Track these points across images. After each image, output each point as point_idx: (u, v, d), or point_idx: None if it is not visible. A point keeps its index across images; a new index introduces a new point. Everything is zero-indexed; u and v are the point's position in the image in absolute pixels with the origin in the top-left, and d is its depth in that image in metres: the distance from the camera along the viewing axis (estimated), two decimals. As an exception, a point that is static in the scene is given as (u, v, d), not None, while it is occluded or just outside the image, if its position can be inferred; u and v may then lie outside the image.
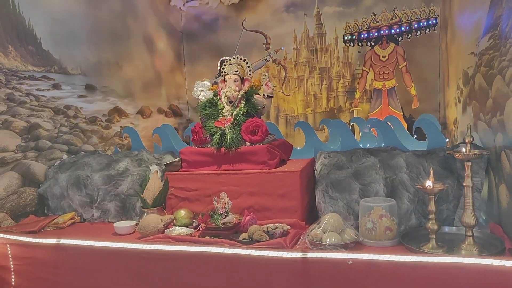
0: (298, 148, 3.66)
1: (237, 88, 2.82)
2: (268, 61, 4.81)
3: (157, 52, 4.88)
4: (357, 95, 4.76)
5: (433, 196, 2.11)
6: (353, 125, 4.40)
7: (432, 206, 2.11)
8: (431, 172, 2.12)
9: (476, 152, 2.01)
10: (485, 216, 2.43)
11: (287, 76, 4.91)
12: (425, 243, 2.13)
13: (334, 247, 2.15)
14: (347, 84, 4.93)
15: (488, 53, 2.34)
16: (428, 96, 4.57)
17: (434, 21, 4.26)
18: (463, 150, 2.01)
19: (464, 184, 2.05)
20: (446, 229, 2.32)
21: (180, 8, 5.32)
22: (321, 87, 5.06)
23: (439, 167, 2.42)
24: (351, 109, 4.87)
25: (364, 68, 4.69)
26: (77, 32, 3.59)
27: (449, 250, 2.07)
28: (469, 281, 1.88)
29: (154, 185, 2.74)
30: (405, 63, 4.49)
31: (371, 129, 3.48)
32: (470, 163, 2.03)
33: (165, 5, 5.09)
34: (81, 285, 2.50)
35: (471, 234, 2.05)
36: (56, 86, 3.36)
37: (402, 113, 4.50)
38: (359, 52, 4.81)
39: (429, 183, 2.09)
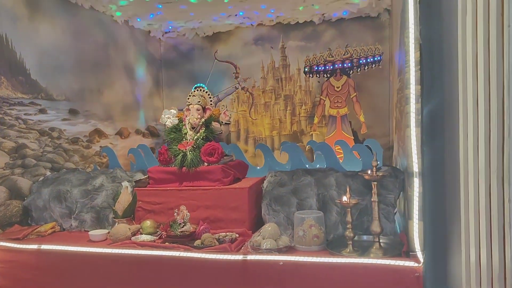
0: (258, 168, 4.14)
1: (199, 116, 3.29)
2: (238, 88, 5.36)
3: (136, 79, 5.36)
4: (316, 120, 5.30)
5: (350, 209, 2.59)
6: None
7: (349, 217, 2.59)
8: (348, 189, 2.61)
9: (380, 173, 2.51)
10: (400, 227, 2.92)
11: (254, 102, 5.43)
12: (344, 248, 2.60)
13: (269, 251, 2.59)
14: (308, 110, 5.46)
15: (399, 92, 2.87)
16: (380, 122, 5.11)
17: (378, 58, 4.86)
18: (369, 172, 2.51)
19: (372, 200, 2.54)
20: (365, 237, 2.79)
21: (159, 38, 5.83)
22: (286, 112, 5.58)
23: (361, 186, 2.90)
24: (311, 133, 5.39)
25: (321, 97, 5.24)
26: (62, 62, 4.05)
27: (362, 254, 2.54)
28: (373, 277, 2.36)
29: (124, 199, 3.17)
30: (355, 93, 5.06)
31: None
32: (375, 183, 2.52)
33: (145, 36, 5.59)
34: (59, 284, 2.89)
35: (378, 240, 2.54)
36: (42, 111, 3.80)
37: (352, 137, 5.04)
38: (318, 82, 5.36)
39: (345, 198, 2.58)
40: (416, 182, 2.31)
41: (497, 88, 1.58)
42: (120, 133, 4.93)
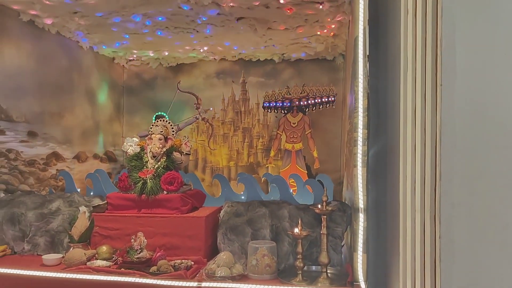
0: (215, 197, 4.27)
1: (160, 145, 3.40)
2: (198, 119, 5.51)
3: (98, 104, 5.41)
4: (272, 153, 5.54)
5: (301, 240, 2.77)
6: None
7: (299, 248, 2.76)
8: (299, 221, 2.80)
9: (329, 208, 2.72)
10: (347, 258, 3.12)
11: (213, 133, 5.60)
12: (294, 278, 2.76)
13: (223, 279, 2.71)
14: (265, 143, 5.70)
15: (349, 133, 3.13)
16: (332, 158, 5.42)
17: (332, 99, 5.22)
18: (319, 206, 2.72)
19: (321, 232, 2.74)
20: (314, 267, 2.97)
21: (123, 65, 5.93)
22: (243, 144, 5.78)
23: (312, 218, 3.10)
24: (267, 165, 5.61)
25: (278, 131, 5.51)
26: (25, 85, 4.07)
27: (310, 283, 2.71)
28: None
29: (81, 224, 3.20)
30: (310, 130, 5.37)
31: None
32: (325, 216, 2.73)
33: (109, 62, 5.68)
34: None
35: (325, 270, 2.72)
36: (1, 132, 3.78)
37: (306, 171, 5.31)
38: (276, 117, 5.64)
39: (297, 230, 2.76)
40: (361, 217, 2.53)
41: (431, 137, 1.80)
42: (77, 157, 4.92)
